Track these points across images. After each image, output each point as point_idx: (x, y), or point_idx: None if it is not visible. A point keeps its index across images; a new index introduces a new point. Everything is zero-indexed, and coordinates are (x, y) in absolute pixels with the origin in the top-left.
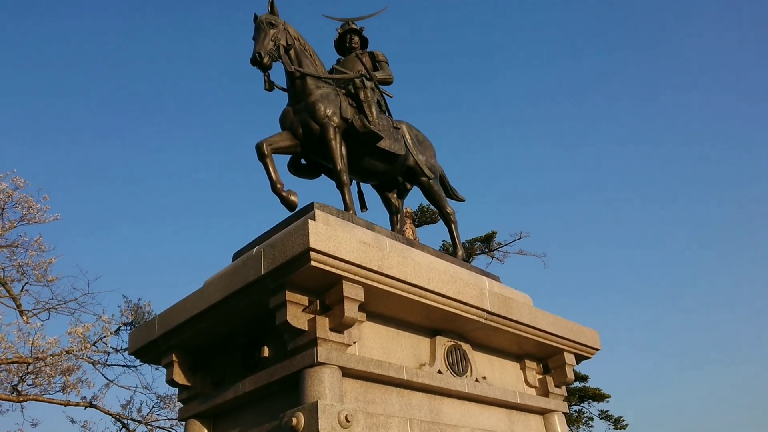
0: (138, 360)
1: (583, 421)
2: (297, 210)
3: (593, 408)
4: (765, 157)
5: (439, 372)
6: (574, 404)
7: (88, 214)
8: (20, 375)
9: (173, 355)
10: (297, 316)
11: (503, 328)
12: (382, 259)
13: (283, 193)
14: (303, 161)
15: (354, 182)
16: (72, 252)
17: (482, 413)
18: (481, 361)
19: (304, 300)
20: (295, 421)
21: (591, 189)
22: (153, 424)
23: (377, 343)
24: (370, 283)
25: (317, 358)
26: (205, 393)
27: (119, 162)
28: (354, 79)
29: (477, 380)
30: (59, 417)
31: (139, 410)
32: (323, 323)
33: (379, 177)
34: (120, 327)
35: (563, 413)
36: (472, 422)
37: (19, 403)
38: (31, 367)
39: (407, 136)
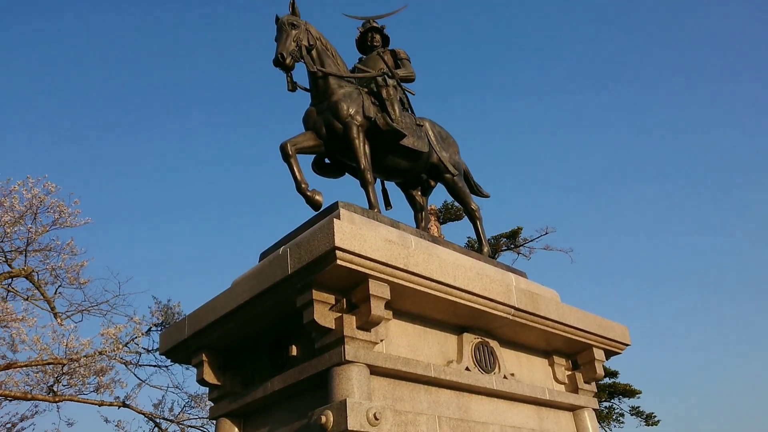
0: (169, 360)
1: (614, 417)
2: (322, 209)
3: (624, 404)
4: None
5: (467, 369)
6: (605, 400)
7: (117, 216)
8: (55, 376)
9: (203, 355)
10: (324, 315)
11: (531, 324)
12: (407, 257)
13: (308, 193)
14: (327, 161)
15: (378, 180)
16: (103, 254)
17: (511, 410)
18: (509, 358)
19: (331, 299)
20: (324, 419)
21: (616, 179)
22: (185, 422)
23: (404, 341)
24: (395, 280)
25: (345, 357)
26: (235, 392)
27: (148, 163)
28: (376, 77)
29: (505, 377)
30: (94, 417)
31: (171, 409)
32: (350, 321)
33: (403, 175)
34: (151, 328)
35: (593, 409)
36: (501, 419)
37: (54, 404)
38: (65, 368)
39: (430, 133)
